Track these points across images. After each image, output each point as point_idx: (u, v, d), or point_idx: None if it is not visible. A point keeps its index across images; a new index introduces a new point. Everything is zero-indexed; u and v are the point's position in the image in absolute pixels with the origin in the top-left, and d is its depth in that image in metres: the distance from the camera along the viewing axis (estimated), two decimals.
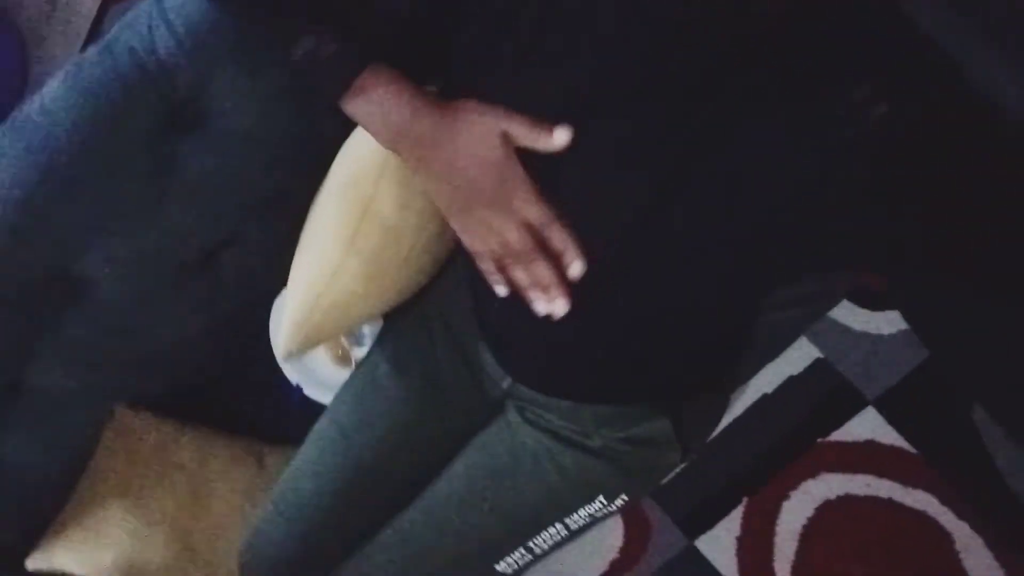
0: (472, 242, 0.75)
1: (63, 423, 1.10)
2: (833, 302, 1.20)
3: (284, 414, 1.27)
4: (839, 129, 0.62)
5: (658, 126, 0.66)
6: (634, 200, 0.69)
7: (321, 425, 1.05)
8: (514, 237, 0.71)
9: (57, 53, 1.52)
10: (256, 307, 1.23)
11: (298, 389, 1.26)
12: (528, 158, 0.70)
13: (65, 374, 1.05)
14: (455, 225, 0.75)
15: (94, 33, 1.52)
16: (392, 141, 0.73)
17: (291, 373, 1.26)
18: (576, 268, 0.71)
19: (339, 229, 0.90)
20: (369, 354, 1.06)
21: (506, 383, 0.96)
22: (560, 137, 0.68)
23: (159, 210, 0.93)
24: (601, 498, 0.94)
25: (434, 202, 0.77)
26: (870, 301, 1.29)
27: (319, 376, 1.21)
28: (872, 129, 0.61)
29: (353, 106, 0.73)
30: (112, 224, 0.91)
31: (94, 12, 1.50)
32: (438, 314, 1.01)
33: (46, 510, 1.21)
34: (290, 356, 1.04)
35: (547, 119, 0.68)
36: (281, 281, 1.10)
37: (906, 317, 0.78)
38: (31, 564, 1.22)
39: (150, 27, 0.83)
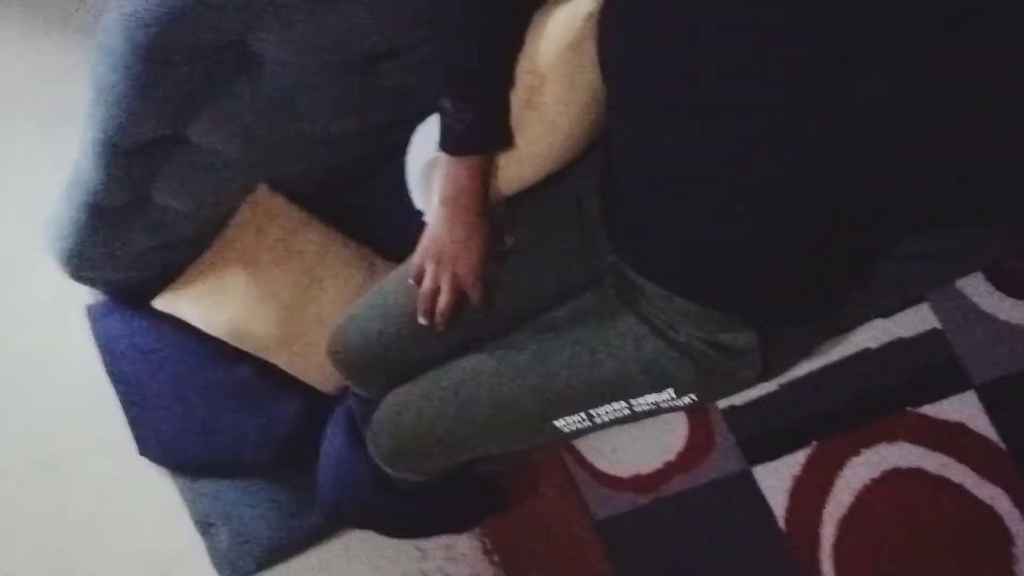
0: (418, 263, 1.03)
1: (212, 182, 1.20)
2: (963, 270, 1.14)
3: (402, 235, 1.34)
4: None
5: (810, 41, 0.65)
6: (773, 110, 0.69)
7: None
8: (445, 289, 1.02)
9: None
10: (401, 127, 1.28)
11: (420, 215, 1.32)
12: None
13: (222, 138, 1.13)
14: (422, 246, 1.03)
15: None
16: (444, 189, 0.98)
17: (419, 200, 1.32)
18: None
19: None
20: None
21: (611, 258, 0.98)
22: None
23: (336, 6, 0.97)
24: (671, 391, 0.96)
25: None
26: (1011, 286, 1.22)
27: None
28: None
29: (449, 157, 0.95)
30: (293, 10, 0.95)
31: None
32: (570, 185, 1.03)
33: (180, 259, 1.34)
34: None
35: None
36: (431, 108, 1.14)
37: None
38: (158, 304, 1.37)
39: None
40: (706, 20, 0.70)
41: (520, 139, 0.95)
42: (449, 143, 0.96)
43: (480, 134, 0.94)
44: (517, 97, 0.93)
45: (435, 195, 1.01)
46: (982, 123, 0.63)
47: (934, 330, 1.30)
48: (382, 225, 1.36)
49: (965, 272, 1.15)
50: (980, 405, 1.27)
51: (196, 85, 1.02)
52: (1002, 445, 1.26)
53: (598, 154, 0.99)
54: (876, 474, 1.34)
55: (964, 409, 1.28)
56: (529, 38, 0.92)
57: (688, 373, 0.94)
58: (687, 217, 0.82)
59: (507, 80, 0.93)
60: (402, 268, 1.12)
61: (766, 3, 0.66)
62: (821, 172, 0.70)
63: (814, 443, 1.37)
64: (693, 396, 0.97)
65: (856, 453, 1.35)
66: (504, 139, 0.94)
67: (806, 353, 1.01)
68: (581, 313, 1.03)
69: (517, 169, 0.98)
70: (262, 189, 1.27)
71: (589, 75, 0.89)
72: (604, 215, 0.97)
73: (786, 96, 0.68)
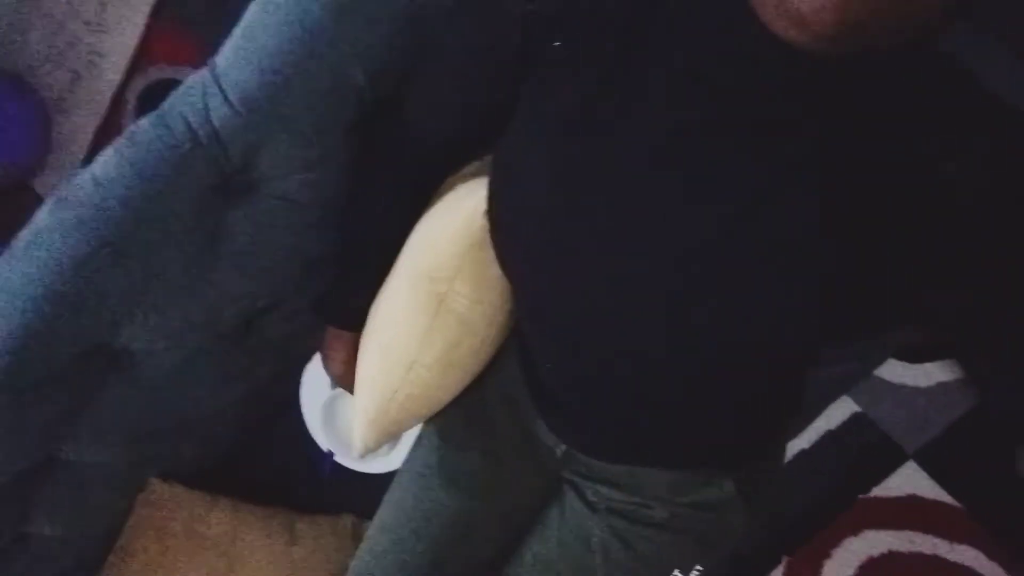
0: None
1: (95, 497, 1.07)
2: (882, 358, 1.19)
3: (316, 482, 1.25)
4: (908, 180, 0.62)
5: (729, 169, 0.65)
6: (699, 247, 0.68)
7: (383, 519, 1.02)
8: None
9: (80, 123, 1.52)
10: (289, 374, 1.21)
11: (329, 456, 1.24)
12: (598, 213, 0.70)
13: (101, 447, 1.02)
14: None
15: (117, 103, 1.52)
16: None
17: (324, 441, 1.24)
18: None
19: (413, 324, 0.90)
20: (421, 439, 1.04)
21: (560, 450, 0.94)
22: None
23: (205, 279, 0.92)
24: (677, 573, 0.92)
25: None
26: (908, 354, 1.29)
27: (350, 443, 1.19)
28: (940, 186, 0.61)
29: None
30: (159, 294, 0.89)
31: (117, 82, 1.51)
32: (495, 388, 0.99)
33: None
34: (367, 453, 1.03)
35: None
36: (315, 347, 1.09)
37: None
38: None
39: (205, 97, 0.82)
40: (595, 193, 0.69)
41: (442, 345, 0.91)
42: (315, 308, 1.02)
43: (329, 307, 1.00)
44: (426, 306, 0.90)
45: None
46: (887, 232, 0.65)
47: (856, 414, 1.33)
48: (294, 479, 1.26)
49: (882, 360, 1.19)
50: (922, 472, 1.30)
51: (65, 402, 0.92)
52: (956, 503, 1.29)
53: (514, 347, 0.97)
54: (853, 571, 1.32)
55: (910, 480, 1.31)
56: (428, 245, 0.89)
57: (684, 546, 0.90)
58: (617, 384, 0.80)
59: (372, 268, 0.94)
60: None
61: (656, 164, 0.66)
62: (741, 321, 0.70)
63: (784, 559, 1.34)
64: (698, 568, 0.92)
65: (828, 555, 1.33)
66: (348, 321, 0.98)
67: (777, 481, 1.00)
68: (557, 535, 0.97)
69: (442, 378, 0.94)
70: (154, 484, 1.15)
71: (497, 269, 0.87)
72: (537, 406, 0.94)
73: (693, 253, 0.67)
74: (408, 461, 1.03)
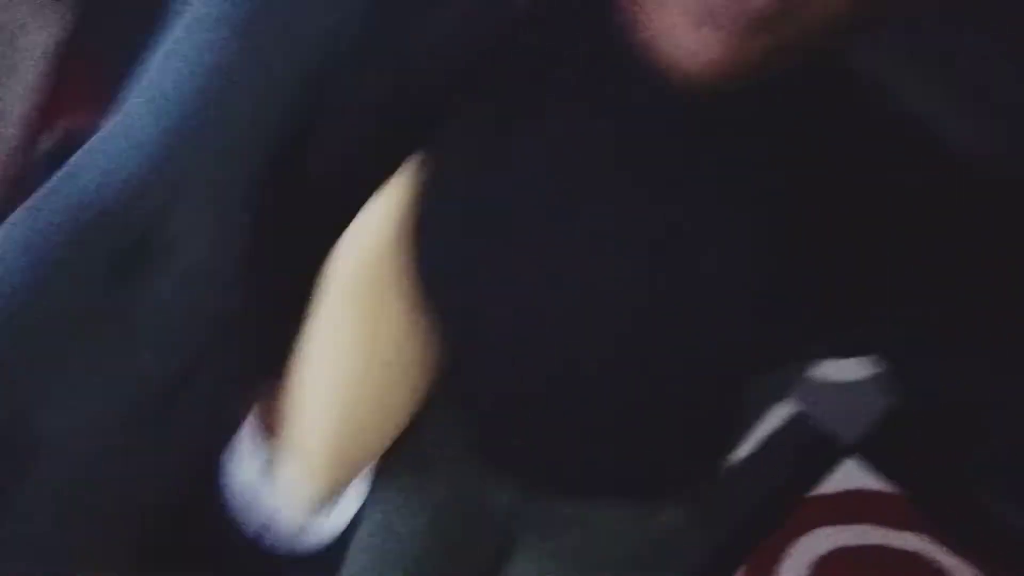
0: None
1: None
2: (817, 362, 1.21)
3: (258, 553, 1.19)
4: (823, 198, 0.61)
5: (641, 211, 0.64)
6: (623, 284, 0.67)
7: None
8: None
9: None
10: (217, 446, 1.15)
11: (265, 527, 1.18)
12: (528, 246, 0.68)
13: (13, 547, 0.94)
14: None
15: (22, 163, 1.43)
16: None
17: (260, 512, 1.19)
18: None
19: (346, 352, 0.89)
20: (363, 511, 1.00)
21: (506, 498, 0.91)
22: None
23: (118, 352, 0.86)
24: None
25: None
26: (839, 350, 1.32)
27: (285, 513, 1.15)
28: (857, 198, 0.61)
29: None
30: (70, 373, 0.83)
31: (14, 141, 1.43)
32: (433, 447, 0.96)
33: None
34: (313, 510, 0.98)
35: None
36: (244, 414, 1.04)
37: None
38: None
39: (103, 157, 0.77)
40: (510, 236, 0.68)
41: (369, 397, 0.89)
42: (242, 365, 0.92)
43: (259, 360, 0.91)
44: (359, 330, 0.88)
45: None
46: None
47: (791, 415, 1.36)
48: (233, 556, 1.20)
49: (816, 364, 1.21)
50: (862, 464, 1.33)
51: None
52: (898, 492, 1.32)
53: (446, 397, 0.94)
54: (806, 572, 1.34)
55: (851, 474, 1.33)
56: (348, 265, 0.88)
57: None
58: (556, 415, 0.79)
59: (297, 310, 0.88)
60: None
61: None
62: (675, 353, 0.69)
63: (743, 567, 1.35)
64: None
65: (779, 560, 1.34)
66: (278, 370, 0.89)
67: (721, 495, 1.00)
68: None
69: (377, 432, 0.92)
70: None
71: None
72: (479, 455, 0.91)
73: (616, 295, 0.67)
74: (354, 545, 0.99)
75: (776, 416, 1.35)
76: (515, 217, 0.67)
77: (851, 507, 1.33)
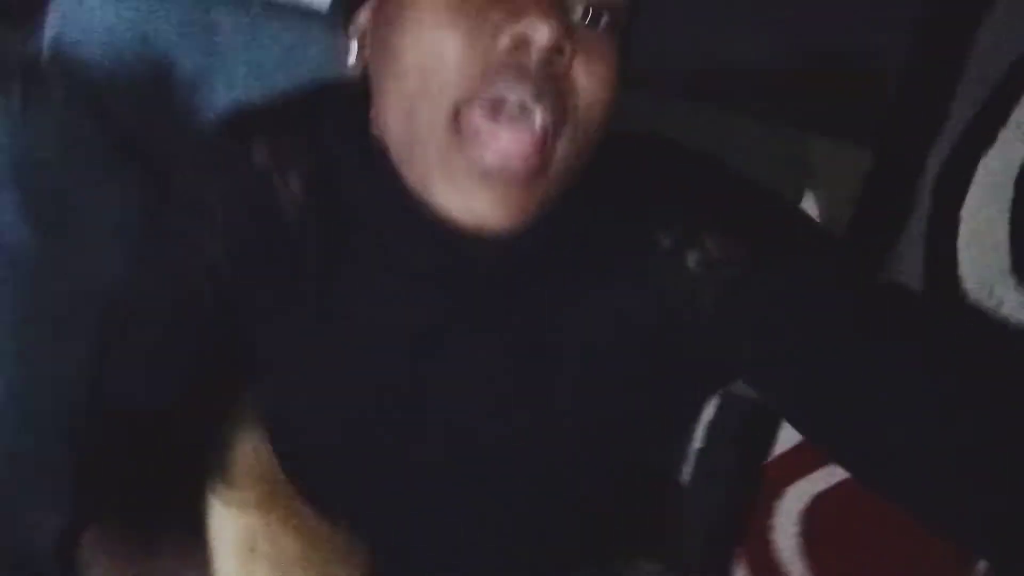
0: None
1: None
2: None
3: None
4: (661, 281, 0.64)
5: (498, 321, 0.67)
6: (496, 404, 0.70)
7: None
8: None
9: None
10: None
11: None
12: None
13: None
14: None
15: None
16: None
17: None
18: None
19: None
20: None
21: None
22: None
23: None
24: None
25: None
26: None
27: None
28: (693, 274, 0.63)
29: None
30: None
31: None
32: None
33: None
34: None
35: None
36: None
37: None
38: None
39: None
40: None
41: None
42: None
43: None
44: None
45: None
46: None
47: (721, 396, 1.38)
48: None
49: None
50: None
51: None
52: None
53: None
54: (797, 528, 1.37)
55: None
56: None
57: None
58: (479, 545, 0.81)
59: None
60: None
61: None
62: (542, 483, 0.72)
63: (738, 550, 1.39)
64: None
65: (770, 528, 1.38)
66: None
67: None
68: None
69: None
70: None
71: None
72: None
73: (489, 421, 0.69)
74: None
75: (712, 403, 1.38)
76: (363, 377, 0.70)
77: (810, 456, 1.35)
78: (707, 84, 1.19)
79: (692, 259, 0.63)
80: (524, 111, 0.55)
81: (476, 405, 0.69)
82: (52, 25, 0.91)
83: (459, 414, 0.70)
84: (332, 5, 0.67)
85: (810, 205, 1.25)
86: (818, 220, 1.19)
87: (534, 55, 0.54)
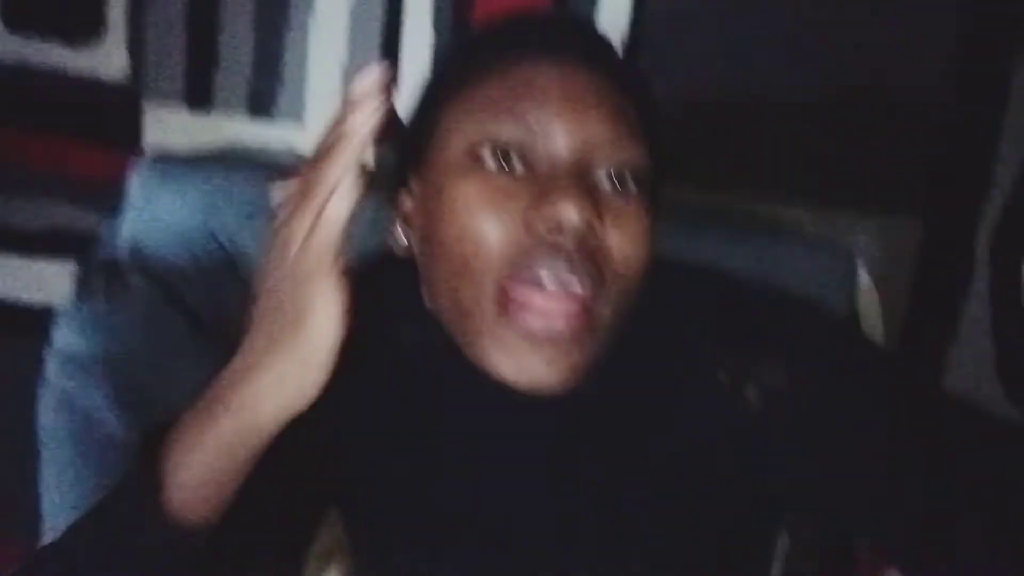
0: None
1: None
2: None
3: None
4: (723, 415, 0.66)
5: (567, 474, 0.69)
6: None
7: None
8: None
9: None
10: None
11: None
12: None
13: None
14: None
15: None
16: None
17: None
18: None
19: None
20: None
21: None
22: None
23: None
24: None
25: None
26: None
27: None
28: (754, 406, 0.65)
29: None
30: None
31: None
32: None
33: None
34: None
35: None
36: None
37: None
38: None
39: None
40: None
41: None
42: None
43: None
44: None
45: None
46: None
47: None
48: None
49: None
50: None
51: None
52: None
53: None
54: None
55: None
56: None
57: None
58: None
59: None
60: None
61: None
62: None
63: None
64: None
65: None
66: None
67: None
68: None
69: None
70: None
71: None
72: None
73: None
74: None
75: None
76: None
77: None
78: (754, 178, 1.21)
79: (752, 392, 0.65)
80: (564, 282, 0.58)
81: (564, 558, 0.70)
82: (127, 227, 0.99)
83: (547, 571, 0.71)
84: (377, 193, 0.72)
85: (865, 283, 1.24)
86: (876, 295, 1.19)
87: (568, 236, 0.57)
